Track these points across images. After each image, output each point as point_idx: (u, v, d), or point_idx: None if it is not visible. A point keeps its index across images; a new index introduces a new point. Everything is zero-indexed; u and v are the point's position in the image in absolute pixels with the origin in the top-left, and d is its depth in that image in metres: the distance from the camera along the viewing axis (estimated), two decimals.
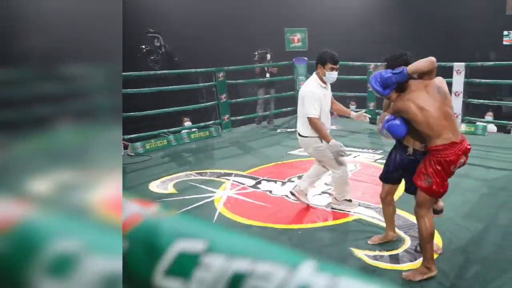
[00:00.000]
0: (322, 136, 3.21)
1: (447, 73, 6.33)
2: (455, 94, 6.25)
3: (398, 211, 3.43)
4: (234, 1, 10.03)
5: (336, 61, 3.17)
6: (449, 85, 6.24)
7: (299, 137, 3.41)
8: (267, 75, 7.29)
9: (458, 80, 6.24)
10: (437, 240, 2.95)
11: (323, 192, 4.01)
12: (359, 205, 3.60)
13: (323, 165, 3.44)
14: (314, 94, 3.15)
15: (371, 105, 7.22)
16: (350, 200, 3.55)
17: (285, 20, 9.24)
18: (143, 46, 8.90)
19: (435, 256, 2.61)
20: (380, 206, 3.31)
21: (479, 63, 6.64)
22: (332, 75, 3.18)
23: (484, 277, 2.57)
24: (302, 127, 3.31)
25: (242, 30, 10.09)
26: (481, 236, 3.07)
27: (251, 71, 7.59)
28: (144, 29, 9.00)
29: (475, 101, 6.70)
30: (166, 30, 9.35)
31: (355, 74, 7.60)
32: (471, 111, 7.18)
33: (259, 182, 4.40)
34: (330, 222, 3.41)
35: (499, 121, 6.95)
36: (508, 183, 4.10)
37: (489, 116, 7.10)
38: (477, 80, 6.41)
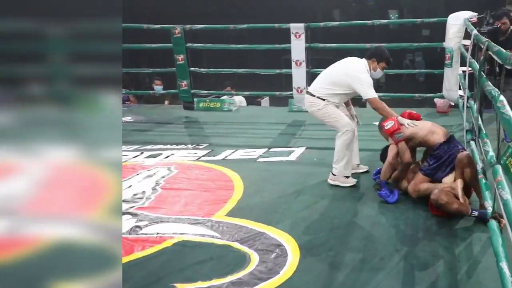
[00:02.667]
0: (387, 113, 4.18)
1: (283, 37, 6.95)
2: (296, 64, 6.89)
3: (239, 221, 3.68)
4: None
5: (390, 63, 4.43)
6: (288, 52, 6.85)
7: (306, 95, 4.54)
8: None
9: (298, 46, 6.88)
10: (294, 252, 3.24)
11: (125, 213, 3.85)
12: None
13: (329, 126, 4.49)
14: (369, 79, 4.27)
15: (184, 84, 7.36)
16: (347, 177, 4.39)
17: None
18: None
19: None
20: (211, 218, 3.77)
21: (321, 24, 7.44)
22: (380, 74, 4.43)
23: (363, 260, 2.99)
24: (319, 89, 4.40)
25: None
26: (340, 225, 3.64)
27: None
28: None
29: (321, 70, 7.42)
30: None
31: (156, 42, 7.71)
32: None
33: None
34: (139, 254, 3.31)
35: None
36: (368, 164, 4.77)
37: None
38: (321, 45, 7.15)
